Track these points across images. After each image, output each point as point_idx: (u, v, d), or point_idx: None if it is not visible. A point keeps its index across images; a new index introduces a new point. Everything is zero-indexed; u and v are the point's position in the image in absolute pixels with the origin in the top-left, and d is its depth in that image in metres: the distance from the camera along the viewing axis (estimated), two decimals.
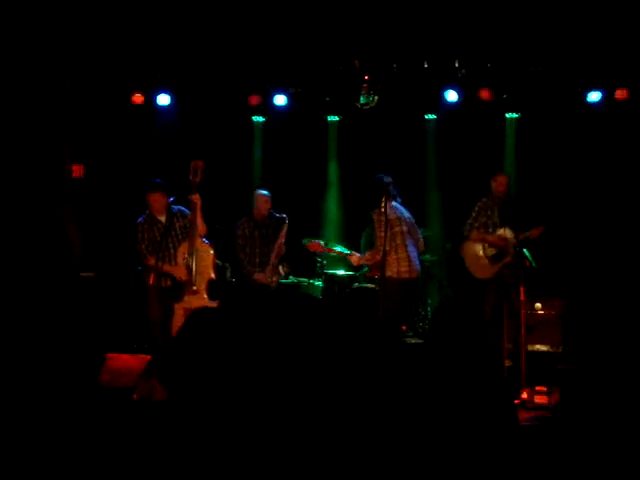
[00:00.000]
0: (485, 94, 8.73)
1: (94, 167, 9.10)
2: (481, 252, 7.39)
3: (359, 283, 8.23)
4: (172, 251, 6.75)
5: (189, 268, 6.54)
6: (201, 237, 6.67)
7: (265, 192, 7.83)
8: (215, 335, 4.12)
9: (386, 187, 6.67)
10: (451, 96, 8.82)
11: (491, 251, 7.36)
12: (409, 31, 8.31)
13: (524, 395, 5.85)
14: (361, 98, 8.76)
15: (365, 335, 6.18)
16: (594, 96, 8.63)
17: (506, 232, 7.24)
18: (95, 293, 8.02)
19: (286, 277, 7.95)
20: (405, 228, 6.77)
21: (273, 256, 7.60)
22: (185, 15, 8.17)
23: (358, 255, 7.00)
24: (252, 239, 7.72)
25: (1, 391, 5.43)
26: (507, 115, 9.13)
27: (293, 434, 3.92)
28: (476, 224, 7.39)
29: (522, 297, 6.30)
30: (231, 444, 3.79)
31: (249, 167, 9.51)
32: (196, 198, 6.58)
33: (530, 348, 7.03)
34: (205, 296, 6.58)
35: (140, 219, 6.86)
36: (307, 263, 8.49)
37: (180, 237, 6.78)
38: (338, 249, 7.36)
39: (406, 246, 6.73)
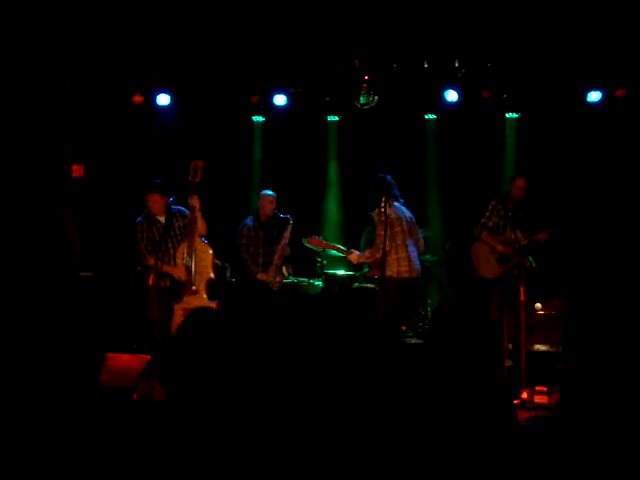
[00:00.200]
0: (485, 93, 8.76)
1: (94, 167, 9.10)
2: (491, 252, 7.37)
3: (359, 283, 8.23)
4: (171, 251, 6.74)
5: (188, 268, 6.54)
6: (201, 237, 6.67)
7: (270, 192, 7.83)
8: (214, 335, 4.12)
9: (387, 187, 6.67)
10: (451, 96, 8.82)
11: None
12: (409, 31, 8.31)
13: (524, 395, 5.85)
14: (361, 98, 8.76)
15: (365, 335, 6.17)
16: (594, 96, 8.63)
17: (517, 234, 7.23)
18: (95, 293, 8.02)
19: (287, 277, 7.95)
20: (406, 228, 6.77)
21: (277, 257, 7.59)
22: (185, 15, 8.16)
23: (358, 253, 6.99)
24: (256, 239, 7.72)
25: (1, 391, 5.43)
26: (507, 115, 9.13)
27: (293, 434, 3.92)
28: (490, 223, 7.37)
29: (522, 297, 6.30)
30: (230, 444, 3.79)
31: (249, 167, 9.51)
32: (195, 201, 6.57)
33: (530, 348, 7.03)
34: (204, 296, 6.57)
35: (139, 219, 6.85)
36: (307, 263, 8.49)
37: (179, 237, 6.78)
38: (338, 246, 7.36)
39: (406, 246, 6.73)
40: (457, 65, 8.67)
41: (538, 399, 5.82)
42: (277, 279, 7.61)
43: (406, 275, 6.69)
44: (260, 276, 7.59)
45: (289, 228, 7.62)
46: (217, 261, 7.09)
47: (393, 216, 6.67)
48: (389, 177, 6.84)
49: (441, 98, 8.88)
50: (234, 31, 8.34)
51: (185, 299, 6.54)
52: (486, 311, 7.21)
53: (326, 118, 9.47)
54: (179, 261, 6.62)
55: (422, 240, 7.09)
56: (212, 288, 6.65)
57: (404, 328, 7.76)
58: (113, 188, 8.97)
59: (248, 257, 7.69)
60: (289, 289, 7.95)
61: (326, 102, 9.28)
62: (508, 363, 6.59)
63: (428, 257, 8.39)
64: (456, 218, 9.15)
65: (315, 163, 9.48)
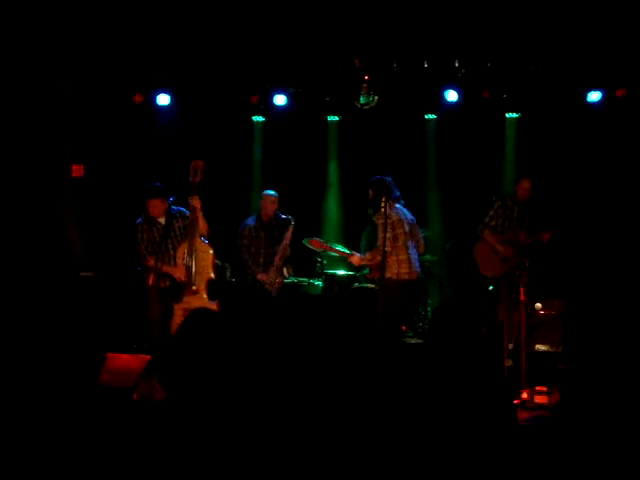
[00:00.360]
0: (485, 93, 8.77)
1: (94, 167, 9.10)
2: (493, 251, 7.36)
3: (359, 283, 8.24)
4: (171, 252, 6.74)
5: (188, 268, 6.54)
6: (202, 237, 6.66)
7: (272, 192, 7.81)
8: (212, 336, 4.12)
9: (387, 188, 6.66)
10: (451, 96, 8.82)
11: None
12: (409, 31, 8.31)
13: (524, 395, 5.85)
14: (361, 98, 8.76)
15: (365, 335, 6.18)
16: (594, 96, 8.63)
17: (520, 235, 7.22)
18: (95, 293, 8.01)
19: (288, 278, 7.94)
20: (407, 230, 6.77)
21: (277, 258, 7.58)
22: (185, 15, 8.16)
23: (359, 255, 7.00)
24: (257, 239, 7.70)
25: (1, 391, 5.43)
26: (507, 115, 9.13)
27: (292, 434, 3.92)
28: (492, 223, 7.35)
29: (522, 297, 6.30)
30: (230, 444, 3.79)
31: (249, 167, 9.51)
32: (196, 202, 6.57)
33: (530, 348, 7.03)
34: (205, 296, 6.57)
35: (139, 220, 6.85)
36: (307, 263, 8.49)
37: (179, 238, 6.77)
38: (339, 248, 7.36)
39: (407, 248, 6.74)
40: (457, 65, 8.67)
41: (538, 399, 5.82)
42: (277, 280, 7.60)
43: (406, 277, 6.69)
44: (261, 277, 7.58)
45: (290, 229, 7.61)
46: (217, 261, 7.09)
47: (395, 218, 6.67)
48: (389, 178, 6.84)
49: (441, 98, 8.87)
50: (234, 31, 8.33)
51: (185, 299, 6.54)
52: (492, 312, 7.19)
53: (326, 118, 9.47)
54: (179, 261, 6.62)
55: (422, 241, 7.09)
56: (212, 288, 6.64)
57: (404, 328, 7.76)
58: (113, 188, 8.96)
59: (249, 257, 7.68)
60: (289, 289, 7.95)
61: (326, 102, 9.28)
62: (508, 363, 6.58)
63: (428, 257, 8.39)
64: (456, 218, 9.15)
65: (315, 163, 9.48)
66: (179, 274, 6.60)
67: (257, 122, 9.47)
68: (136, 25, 8.21)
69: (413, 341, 7.94)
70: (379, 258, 6.57)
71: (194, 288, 6.53)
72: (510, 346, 6.75)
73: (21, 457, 4.19)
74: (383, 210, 6.54)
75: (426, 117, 9.39)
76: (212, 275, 6.62)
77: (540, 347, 7.32)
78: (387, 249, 6.53)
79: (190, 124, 9.18)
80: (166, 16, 8.16)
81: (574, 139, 8.80)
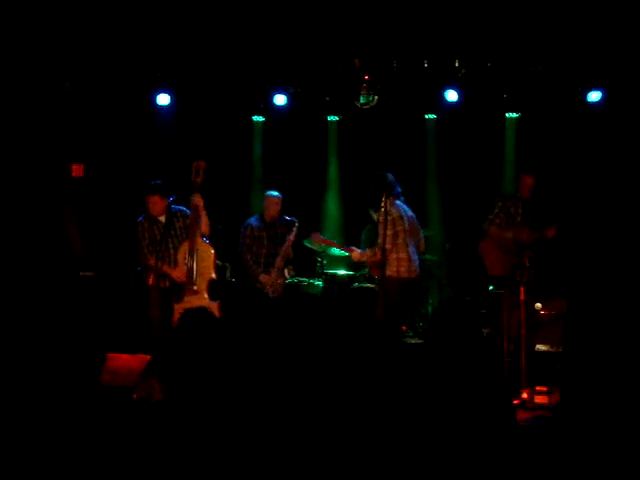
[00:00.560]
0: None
1: (94, 167, 9.10)
2: (499, 248, 7.34)
3: (359, 283, 8.23)
4: (172, 251, 6.74)
5: (190, 268, 6.54)
6: (203, 237, 6.66)
7: (276, 193, 7.78)
8: (207, 335, 4.12)
9: (388, 185, 6.65)
10: (451, 96, 8.81)
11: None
12: (409, 30, 8.31)
13: (524, 395, 5.85)
14: (361, 98, 8.76)
15: (365, 335, 6.18)
16: (594, 96, 8.63)
17: (523, 233, 7.21)
18: (95, 293, 8.01)
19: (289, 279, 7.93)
20: (407, 227, 6.76)
21: (279, 259, 7.55)
22: (185, 15, 8.16)
23: (359, 251, 6.98)
24: (259, 240, 7.67)
25: (1, 391, 5.43)
26: (507, 115, 9.13)
27: (292, 433, 3.92)
28: (497, 220, 7.33)
29: (522, 297, 6.29)
30: (229, 444, 3.79)
31: (249, 167, 9.52)
32: (198, 200, 6.57)
33: (530, 348, 7.02)
34: (206, 296, 6.57)
35: (140, 218, 6.85)
36: (307, 263, 8.49)
37: (180, 237, 6.77)
38: (339, 243, 7.35)
39: (407, 246, 6.72)
40: (457, 65, 8.67)
41: (538, 399, 5.82)
42: (279, 281, 7.58)
43: (405, 275, 6.68)
44: (262, 277, 7.56)
45: (294, 231, 7.58)
46: (217, 261, 7.09)
47: (396, 215, 6.66)
48: (390, 175, 6.82)
49: (441, 98, 8.87)
50: (234, 31, 8.33)
51: (186, 299, 6.53)
52: (497, 312, 7.18)
53: (326, 118, 9.48)
54: (181, 261, 6.61)
55: (423, 239, 7.08)
56: (214, 288, 6.64)
57: (404, 328, 7.75)
58: (113, 188, 8.96)
59: (251, 257, 7.65)
60: (289, 289, 7.94)
61: (326, 102, 9.28)
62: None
63: (428, 257, 8.39)
64: (456, 218, 9.15)
65: (315, 163, 9.48)
66: (177, 274, 6.60)
67: (257, 122, 9.47)
68: (136, 25, 8.21)
69: (413, 341, 7.94)
70: (379, 255, 6.55)
71: (195, 288, 6.53)
72: (510, 346, 6.75)
73: (22, 456, 4.19)
74: (383, 208, 6.52)
75: (426, 117, 9.39)
76: (213, 275, 6.61)
77: (540, 347, 7.31)
78: (387, 247, 6.52)
79: (190, 124, 9.18)
80: (166, 16, 8.16)
81: (574, 139, 8.80)
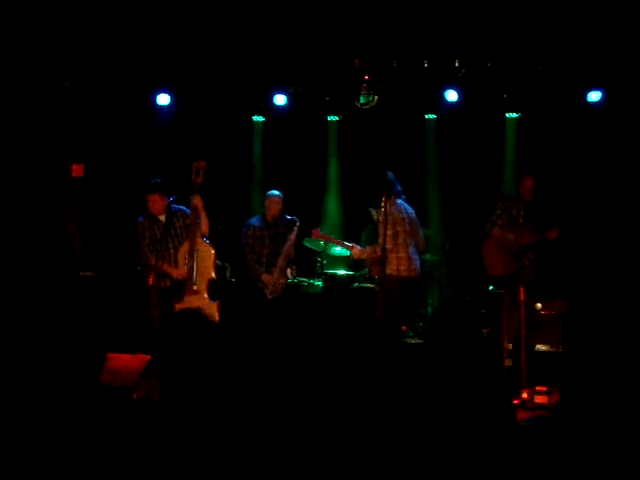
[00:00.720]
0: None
1: (94, 167, 9.11)
2: (501, 248, 7.34)
3: (359, 283, 8.23)
4: (172, 251, 6.74)
5: (190, 268, 6.54)
6: (203, 237, 6.66)
7: (277, 193, 7.76)
8: (201, 336, 4.13)
9: (388, 184, 6.64)
10: (451, 96, 8.82)
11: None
12: (409, 30, 8.31)
13: (524, 395, 5.84)
14: (361, 98, 8.77)
15: (365, 335, 6.18)
16: (594, 96, 8.63)
17: (525, 235, 7.20)
18: (95, 293, 8.01)
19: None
20: (407, 227, 6.76)
21: (281, 259, 7.53)
22: (185, 15, 8.16)
23: (359, 248, 6.97)
24: (261, 239, 7.65)
25: (2, 391, 5.43)
26: (507, 115, 9.14)
27: (292, 433, 3.92)
28: (499, 221, 7.33)
29: (522, 297, 6.29)
30: (228, 444, 3.80)
31: (249, 167, 9.52)
32: (197, 200, 6.57)
33: (530, 348, 7.03)
34: (206, 296, 6.57)
35: (140, 218, 6.85)
36: (307, 263, 8.48)
37: (180, 237, 6.77)
38: (339, 240, 7.35)
39: (407, 245, 6.72)
40: (457, 65, 8.67)
41: (538, 399, 5.82)
42: (281, 281, 7.56)
43: (405, 274, 6.67)
44: (264, 277, 7.55)
45: (295, 230, 7.56)
46: (217, 261, 7.09)
47: (396, 214, 6.66)
48: (390, 174, 6.81)
49: (441, 98, 8.88)
50: (234, 31, 8.34)
51: (186, 299, 6.54)
52: (497, 312, 7.18)
53: (326, 118, 9.48)
54: (181, 261, 6.62)
55: (423, 239, 7.07)
56: (214, 288, 6.64)
57: (404, 328, 7.75)
58: (113, 188, 8.97)
59: (253, 257, 7.63)
60: (289, 289, 7.94)
61: (326, 102, 9.29)
62: (508, 363, 6.58)
63: (428, 257, 8.39)
64: (456, 218, 9.15)
65: (315, 163, 9.49)
66: (177, 273, 6.60)
67: (257, 122, 9.48)
68: (136, 25, 8.21)
69: (413, 341, 7.94)
70: (379, 252, 6.55)
71: (195, 288, 6.53)
72: (510, 346, 6.75)
73: (22, 456, 4.19)
74: (383, 207, 6.52)
75: (426, 117, 9.40)
76: (213, 275, 6.61)
77: (540, 347, 7.31)
78: (388, 246, 6.51)
79: (190, 124, 9.18)
80: (166, 16, 8.16)
81: (574, 139, 8.80)
